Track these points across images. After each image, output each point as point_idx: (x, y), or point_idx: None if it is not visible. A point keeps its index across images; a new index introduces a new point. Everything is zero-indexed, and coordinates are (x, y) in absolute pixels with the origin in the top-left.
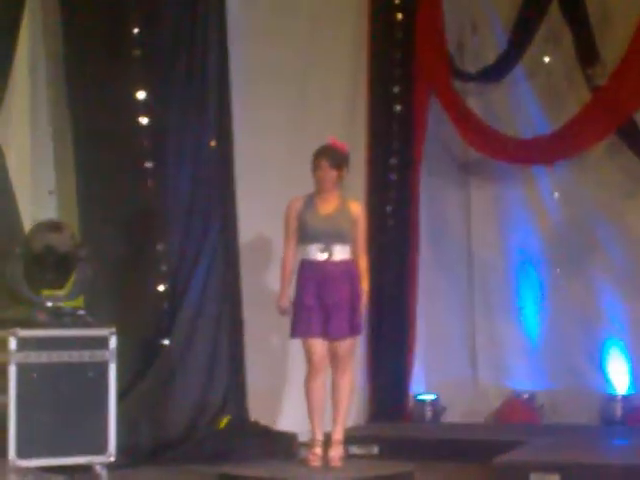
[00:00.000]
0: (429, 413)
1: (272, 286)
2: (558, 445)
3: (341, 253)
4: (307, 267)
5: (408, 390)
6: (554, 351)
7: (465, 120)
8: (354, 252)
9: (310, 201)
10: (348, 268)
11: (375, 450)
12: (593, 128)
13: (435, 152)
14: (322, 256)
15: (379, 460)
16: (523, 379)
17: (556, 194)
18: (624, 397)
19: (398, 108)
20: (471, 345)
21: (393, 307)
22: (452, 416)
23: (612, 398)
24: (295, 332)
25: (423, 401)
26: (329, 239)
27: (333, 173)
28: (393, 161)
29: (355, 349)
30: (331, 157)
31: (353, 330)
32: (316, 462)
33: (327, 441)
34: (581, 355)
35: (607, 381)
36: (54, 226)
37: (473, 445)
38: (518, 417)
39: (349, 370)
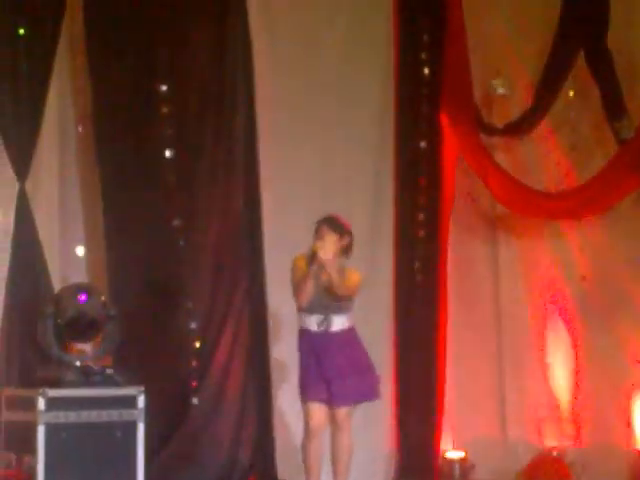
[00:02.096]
0: (457, 471)
1: None
2: None
3: (339, 323)
4: (305, 337)
5: (437, 448)
6: (584, 407)
7: (492, 175)
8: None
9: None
10: (346, 337)
11: None
12: (620, 181)
13: (462, 206)
14: (320, 327)
15: None
16: (553, 436)
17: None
18: None
19: (425, 163)
20: (500, 402)
21: (421, 365)
22: (481, 474)
23: None
24: (301, 396)
25: (451, 459)
26: (327, 310)
27: (333, 238)
28: (421, 216)
29: (353, 412)
30: (332, 224)
31: (357, 397)
32: None
33: None
34: (611, 412)
35: (637, 438)
36: (85, 291)
37: None
38: (548, 475)
39: (347, 434)
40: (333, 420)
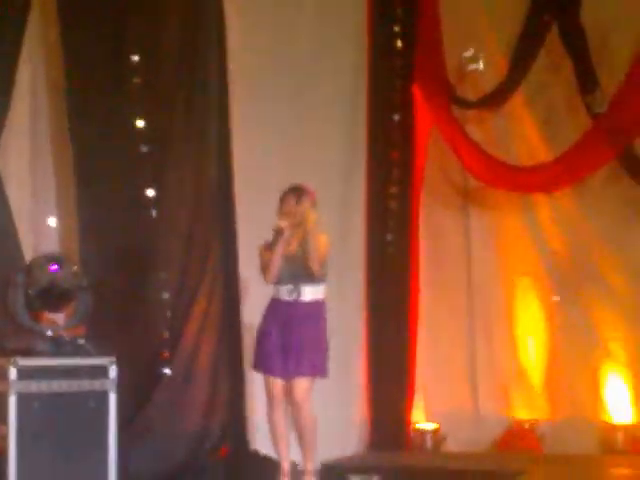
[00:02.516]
0: (429, 442)
1: None
2: (559, 475)
3: (312, 294)
4: (274, 305)
5: (409, 419)
6: (555, 380)
7: (465, 148)
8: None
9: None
10: (316, 310)
11: (375, 479)
12: (593, 155)
13: (435, 179)
14: (290, 296)
15: None
16: (524, 408)
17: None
18: (625, 426)
19: (398, 135)
20: (472, 374)
21: (393, 337)
22: (453, 445)
23: (612, 427)
24: (256, 365)
25: (423, 430)
26: (299, 279)
27: (299, 210)
28: (393, 189)
29: (311, 389)
30: (297, 196)
31: (313, 371)
32: None
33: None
34: (582, 383)
35: (608, 410)
36: (57, 260)
37: (474, 475)
38: (519, 446)
39: (306, 410)
40: (291, 399)
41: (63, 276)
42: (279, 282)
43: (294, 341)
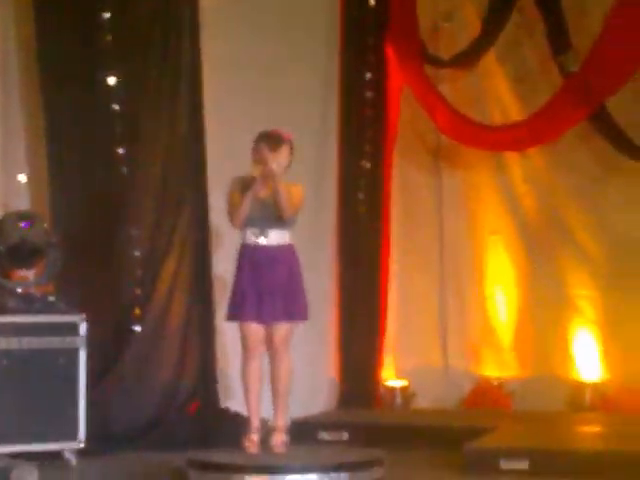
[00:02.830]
0: (399, 399)
1: None
2: (528, 431)
3: (278, 238)
4: (244, 251)
5: (378, 376)
6: (525, 338)
7: (437, 106)
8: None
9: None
10: (286, 253)
11: (345, 436)
12: (565, 115)
13: (408, 138)
14: (257, 240)
15: (348, 446)
16: (494, 365)
17: (523, 180)
18: (593, 384)
19: (370, 95)
20: (442, 332)
21: (364, 294)
22: (422, 402)
23: (581, 385)
24: (228, 315)
25: (393, 387)
26: (265, 223)
27: (272, 156)
28: (365, 147)
29: (291, 336)
30: (270, 141)
31: (290, 316)
32: (252, 448)
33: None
34: (551, 342)
35: (577, 368)
36: (27, 218)
37: (443, 431)
38: (488, 404)
39: (285, 356)
40: (270, 343)
41: (33, 233)
42: (247, 224)
43: (266, 285)
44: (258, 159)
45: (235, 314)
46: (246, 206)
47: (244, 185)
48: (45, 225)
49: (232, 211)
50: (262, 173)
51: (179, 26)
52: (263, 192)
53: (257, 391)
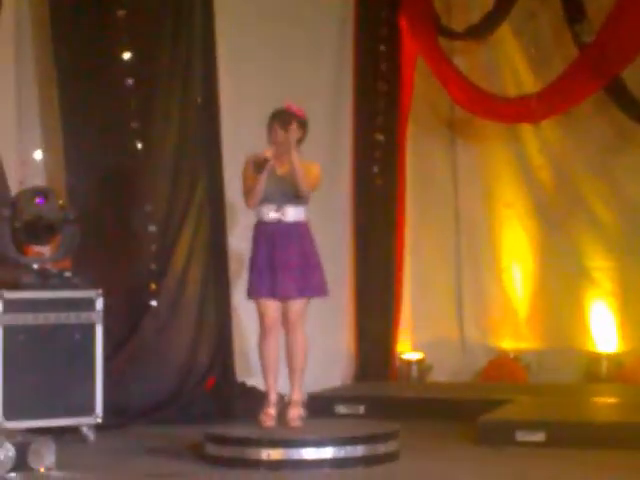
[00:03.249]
0: (415, 372)
1: None
2: (544, 403)
3: (294, 215)
4: (260, 228)
5: (394, 349)
6: (541, 309)
7: (451, 78)
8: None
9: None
10: (301, 230)
11: (361, 409)
12: (580, 85)
13: (421, 111)
14: (274, 216)
15: (365, 419)
16: (510, 338)
17: (538, 152)
18: (609, 355)
19: (384, 67)
20: (458, 304)
21: (380, 267)
22: (438, 375)
23: (598, 356)
24: (248, 292)
25: (409, 360)
26: (282, 200)
27: (286, 135)
28: (379, 120)
29: (305, 312)
30: (284, 120)
31: (304, 292)
32: (269, 422)
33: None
34: (567, 313)
35: (593, 339)
36: (43, 194)
37: (459, 404)
38: (504, 376)
39: (300, 332)
40: (285, 319)
41: (49, 209)
42: (263, 201)
43: (281, 262)
44: (272, 139)
45: (252, 291)
46: (260, 187)
47: (258, 164)
48: (60, 201)
49: (246, 192)
50: (276, 153)
51: (192, 1)
52: (279, 169)
53: (274, 366)
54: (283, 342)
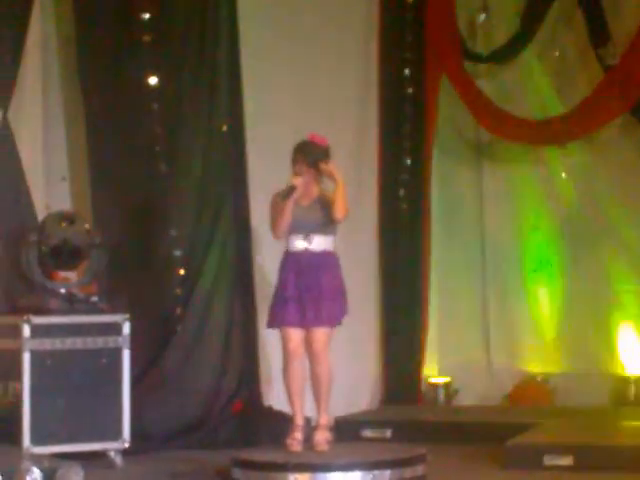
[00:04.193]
0: (442, 396)
1: None
2: (571, 427)
3: (321, 244)
4: (288, 258)
5: (421, 373)
6: (567, 332)
7: (477, 102)
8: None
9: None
10: (329, 259)
11: (388, 434)
12: (605, 107)
13: (447, 134)
14: (301, 245)
15: (392, 443)
16: (536, 361)
17: (564, 174)
18: (636, 378)
19: (410, 91)
20: (484, 328)
21: (406, 290)
22: (465, 399)
23: (625, 380)
24: (270, 322)
25: (436, 384)
26: (309, 229)
27: (309, 171)
28: (405, 144)
29: (330, 340)
30: (306, 156)
31: (331, 321)
32: (296, 447)
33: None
34: (594, 337)
35: (620, 362)
36: (69, 218)
37: (486, 428)
38: (531, 400)
39: (325, 361)
40: (310, 349)
41: (75, 233)
42: (291, 231)
43: (310, 291)
44: (296, 170)
45: (277, 320)
46: (287, 215)
47: (285, 192)
48: (87, 226)
49: (273, 223)
50: (302, 183)
51: (217, 22)
52: (305, 200)
53: (300, 391)
54: (307, 367)
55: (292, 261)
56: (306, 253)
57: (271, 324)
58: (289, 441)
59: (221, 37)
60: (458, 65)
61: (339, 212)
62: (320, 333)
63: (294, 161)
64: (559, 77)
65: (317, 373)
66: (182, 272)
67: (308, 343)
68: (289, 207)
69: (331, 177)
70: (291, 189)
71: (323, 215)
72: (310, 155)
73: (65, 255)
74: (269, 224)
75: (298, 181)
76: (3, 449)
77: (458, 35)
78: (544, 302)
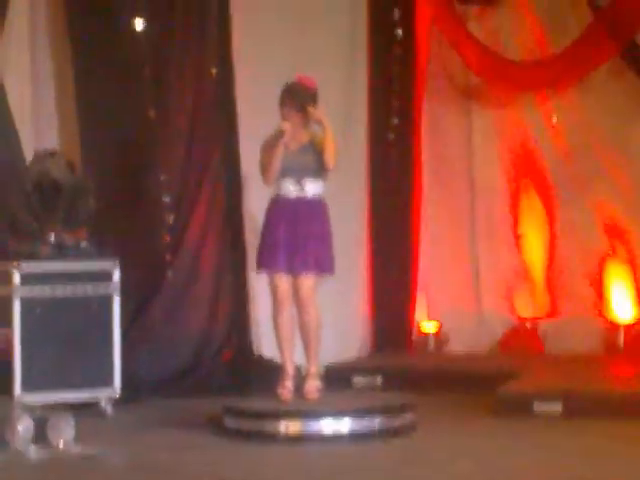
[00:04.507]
0: (432, 343)
1: None
2: (561, 374)
3: (313, 188)
4: (278, 202)
5: (411, 320)
6: (558, 279)
7: (466, 45)
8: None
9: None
10: (319, 204)
11: (378, 381)
12: (595, 51)
13: (437, 78)
14: (293, 190)
15: (382, 391)
16: (526, 308)
17: (555, 118)
18: (627, 325)
19: (399, 33)
20: (474, 274)
21: (396, 236)
22: (455, 345)
23: (615, 326)
24: (259, 265)
25: (426, 331)
26: (301, 173)
27: (297, 115)
28: (395, 86)
29: (316, 287)
30: (294, 99)
31: (319, 268)
32: (286, 395)
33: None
34: (584, 283)
35: (610, 309)
36: (51, 154)
37: (476, 375)
38: (521, 346)
39: (312, 308)
40: (297, 296)
41: (55, 166)
42: (282, 175)
43: (299, 237)
44: (284, 113)
45: (265, 264)
46: (277, 161)
47: (274, 137)
48: (66, 159)
49: (263, 168)
50: (290, 127)
51: None
52: (294, 144)
53: (290, 339)
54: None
55: (281, 206)
56: (297, 198)
57: (260, 267)
58: (279, 390)
59: None
60: (448, 7)
61: (329, 160)
62: (307, 279)
63: (282, 104)
64: (549, 19)
65: (305, 321)
66: (172, 218)
67: (295, 290)
68: (279, 152)
69: (319, 123)
70: (280, 133)
71: (314, 159)
72: (298, 98)
73: (46, 190)
74: (259, 170)
75: (286, 125)
76: None
77: None
78: (534, 248)
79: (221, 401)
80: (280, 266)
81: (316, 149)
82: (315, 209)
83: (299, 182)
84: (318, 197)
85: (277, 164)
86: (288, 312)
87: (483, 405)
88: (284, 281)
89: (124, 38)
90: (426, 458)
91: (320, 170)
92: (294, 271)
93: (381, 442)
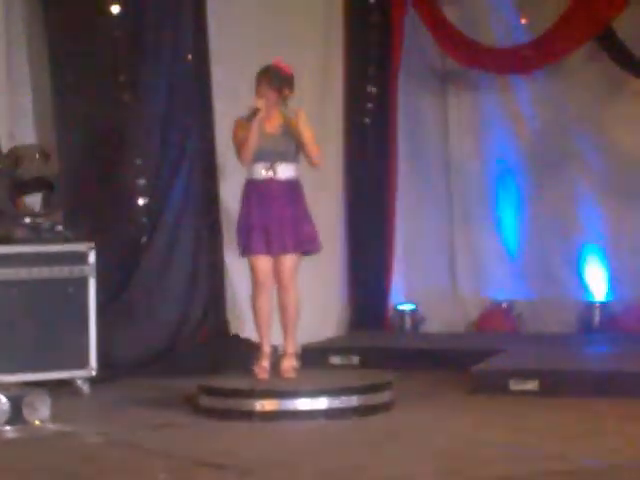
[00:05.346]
0: (409, 323)
1: None
2: (536, 352)
3: (285, 172)
4: (251, 186)
5: (388, 300)
6: (533, 260)
7: (442, 29)
8: (307, 155)
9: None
10: (293, 187)
11: (355, 360)
12: (571, 35)
13: (413, 62)
14: (266, 174)
15: (359, 370)
16: (502, 288)
17: (529, 102)
18: (602, 304)
19: (375, 18)
20: (450, 255)
21: (372, 218)
22: (431, 326)
23: (590, 305)
24: (241, 251)
25: (403, 311)
26: (273, 158)
27: (273, 94)
28: (371, 72)
29: (297, 267)
30: (271, 78)
31: (298, 247)
32: (263, 374)
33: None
34: (560, 263)
35: (585, 288)
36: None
37: (452, 354)
38: (497, 326)
39: (292, 288)
40: (278, 276)
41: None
42: (255, 159)
43: (274, 219)
44: (260, 92)
45: (246, 248)
46: (253, 139)
47: (249, 115)
48: (40, 147)
49: (238, 149)
50: (264, 105)
51: None
52: (268, 127)
53: (267, 320)
54: (274, 296)
55: (255, 190)
56: (270, 182)
57: (243, 253)
58: (256, 369)
59: None
60: None
61: (317, 161)
62: (287, 260)
63: (258, 82)
64: (525, 3)
65: (285, 302)
66: (147, 201)
67: (276, 272)
68: (255, 130)
69: (297, 128)
70: (255, 111)
71: (287, 142)
72: (275, 78)
73: (29, 186)
74: (234, 150)
75: (261, 103)
76: None
77: None
78: (509, 229)
79: (197, 380)
80: (258, 249)
81: (289, 132)
82: (288, 191)
83: (272, 166)
84: (292, 179)
85: (254, 142)
86: (268, 293)
87: (459, 383)
88: (264, 262)
89: (99, 22)
90: (403, 435)
91: (293, 153)
92: (272, 253)
93: (358, 420)
